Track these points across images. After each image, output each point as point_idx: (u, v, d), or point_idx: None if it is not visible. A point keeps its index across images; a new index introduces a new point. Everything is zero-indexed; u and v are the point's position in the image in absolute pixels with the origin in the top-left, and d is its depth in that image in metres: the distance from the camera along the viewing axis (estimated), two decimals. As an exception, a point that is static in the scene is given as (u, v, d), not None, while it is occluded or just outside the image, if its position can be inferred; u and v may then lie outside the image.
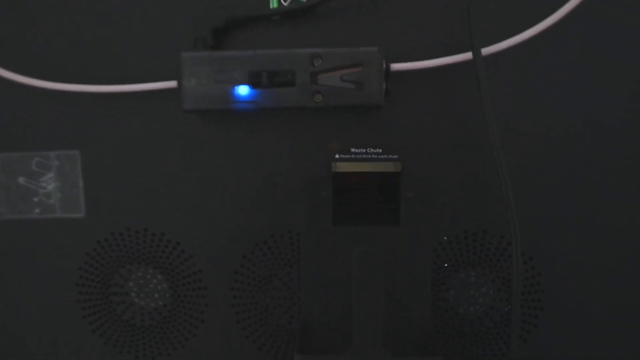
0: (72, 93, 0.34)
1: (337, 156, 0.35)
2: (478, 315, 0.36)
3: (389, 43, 0.33)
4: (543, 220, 0.35)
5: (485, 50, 0.32)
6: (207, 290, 0.37)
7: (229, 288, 0.36)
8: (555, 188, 0.35)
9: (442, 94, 0.34)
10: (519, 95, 0.34)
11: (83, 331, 0.37)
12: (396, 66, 0.32)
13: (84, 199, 0.36)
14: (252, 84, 0.32)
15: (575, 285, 0.36)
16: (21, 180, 0.36)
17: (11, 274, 0.37)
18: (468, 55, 0.32)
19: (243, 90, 0.32)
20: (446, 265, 0.36)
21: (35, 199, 0.36)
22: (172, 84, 0.33)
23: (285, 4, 0.33)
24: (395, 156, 0.35)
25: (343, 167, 0.35)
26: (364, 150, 0.35)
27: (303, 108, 0.33)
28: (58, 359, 0.38)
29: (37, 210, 0.37)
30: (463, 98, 0.34)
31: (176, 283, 0.37)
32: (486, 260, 0.35)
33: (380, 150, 0.35)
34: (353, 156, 0.35)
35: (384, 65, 0.32)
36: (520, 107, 0.34)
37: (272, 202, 0.36)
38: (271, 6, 0.33)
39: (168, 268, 0.37)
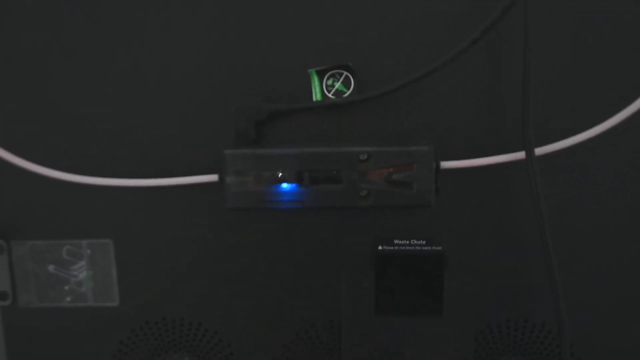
0: (106, 187, 0.33)
1: (379, 247, 0.34)
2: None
3: (436, 138, 0.32)
4: (587, 310, 0.35)
5: (539, 150, 0.31)
6: (246, 379, 0.36)
7: (268, 377, 0.36)
8: (601, 280, 0.34)
9: (488, 191, 0.33)
10: (572, 194, 0.33)
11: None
12: (447, 164, 0.31)
13: (118, 288, 0.35)
14: (298, 182, 0.31)
15: None
16: (51, 268, 0.35)
17: (42, 365, 0.36)
18: (521, 155, 0.31)
19: (288, 188, 0.31)
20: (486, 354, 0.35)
21: (67, 287, 0.35)
22: (213, 177, 0.32)
23: (329, 95, 0.32)
24: (439, 247, 0.34)
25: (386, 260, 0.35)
26: (407, 242, 0.34)
27: (349, 208, 0.32)
28: None
29: (68, 299, 0.35)
30: (511, 195, 0.33)
31: (213, 372, 0.36)
32: (526, 348, 0.35)
33: (424, 242, 0.34)
34: (396, 248, 0.34)
35: (435, 165, 0.31)
36: (572, 204, 0.33)
37: (312, 290, 0.35)
38: (314, 99, 0.32)
39: (205, 358, 0.36)
